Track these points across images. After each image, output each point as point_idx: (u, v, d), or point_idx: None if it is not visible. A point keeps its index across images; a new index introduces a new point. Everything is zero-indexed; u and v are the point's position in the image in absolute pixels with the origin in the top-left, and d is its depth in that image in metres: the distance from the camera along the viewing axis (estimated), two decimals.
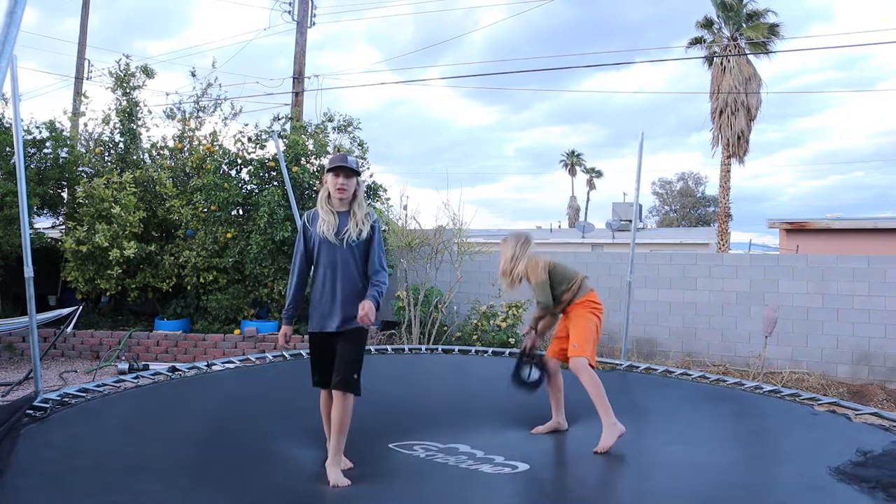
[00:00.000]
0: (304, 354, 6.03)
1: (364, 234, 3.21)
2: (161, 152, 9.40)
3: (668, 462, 3.32)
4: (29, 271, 4.30)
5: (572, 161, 44.22)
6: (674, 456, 3.40)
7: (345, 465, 3.12)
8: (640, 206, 20.48)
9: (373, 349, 6.11)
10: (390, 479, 3.15)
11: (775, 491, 2.95)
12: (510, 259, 4.03)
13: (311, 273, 3.29)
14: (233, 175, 8.61)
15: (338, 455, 3.06)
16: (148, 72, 9.41)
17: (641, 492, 2.99)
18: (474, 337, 8.15)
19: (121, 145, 9.25)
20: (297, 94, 11.80)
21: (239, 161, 8.67)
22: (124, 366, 7.00)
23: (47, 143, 8.72)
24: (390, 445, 3.56)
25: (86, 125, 9.60)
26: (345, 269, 3.18)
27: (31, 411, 3.80)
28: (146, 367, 6.73)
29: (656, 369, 5.71)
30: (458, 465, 3.27)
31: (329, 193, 3.23)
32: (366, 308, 3.08)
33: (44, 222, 9.47)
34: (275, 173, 8.42)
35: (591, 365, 3.75)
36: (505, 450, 3.49)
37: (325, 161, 8.91)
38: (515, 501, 2.96)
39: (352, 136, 9.13)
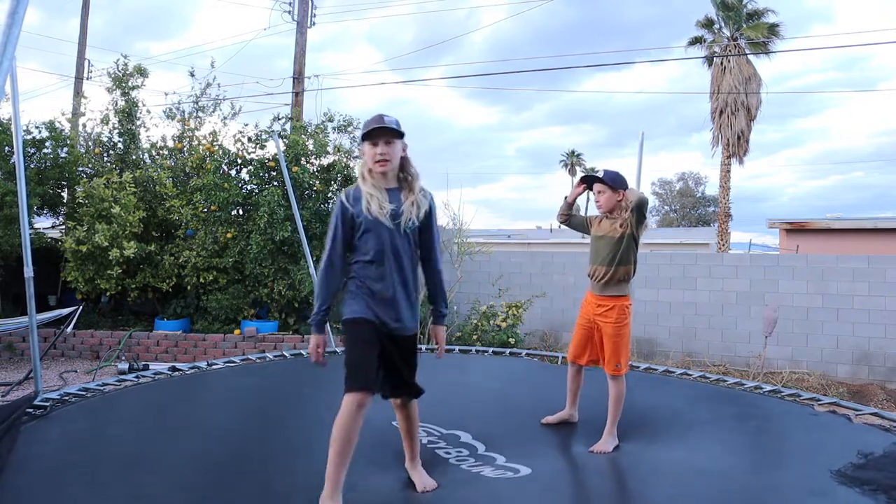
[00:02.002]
0: (304, 354, 6.03)
1: (422, 216, 2.59)
2: (161, 152, 9.40)
3: (669, 462, 3.31)
4: (29, 271, 4.30)
5: (572, 161, 44.23)
6: (674, 456, 3.40)
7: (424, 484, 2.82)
8: None
9: None
10: (396, 459, 3.12)
11: (776, 493, 2.95)
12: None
13: (357, 260, 2.62)
14: (233, 175, 8.61)
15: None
16: (142, 71, 9.40)
17: (642, 491, 2.99)
18: (474, 337, 8.15)
19: (120, 145, 9.25)
20: (297, 94, 11.79)
21: (239, 161, 8.66)
22: (124, 366, 7.00)
23: (47, 143, 8.72)
24: (393, 423, 3.53)
25: (85, 125, 9.61)
26: (402, 258, 2.58)
27: (31, 410, 3.80)
28: (146, 367, 6.73)
29: (656, 369, 5.71)
30: (459, 463, 3.27)
31: (370, 169, 2.57)
32: (441, 336, 2.78)
33: (44, 222, 9.47)
34: (275, 173, 8.42)
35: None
36: (507, 449, 3.51)
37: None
38: (515, 495, 2.96)
39: (352, 136, 9.13)
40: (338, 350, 6.03)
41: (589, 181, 3.60)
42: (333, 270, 2.59)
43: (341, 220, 2.57)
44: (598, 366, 3.70)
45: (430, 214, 2.62)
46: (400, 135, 2.55)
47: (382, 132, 2.50)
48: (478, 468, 3.23)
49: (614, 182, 3.51)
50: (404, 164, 2.61)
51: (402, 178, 2.62)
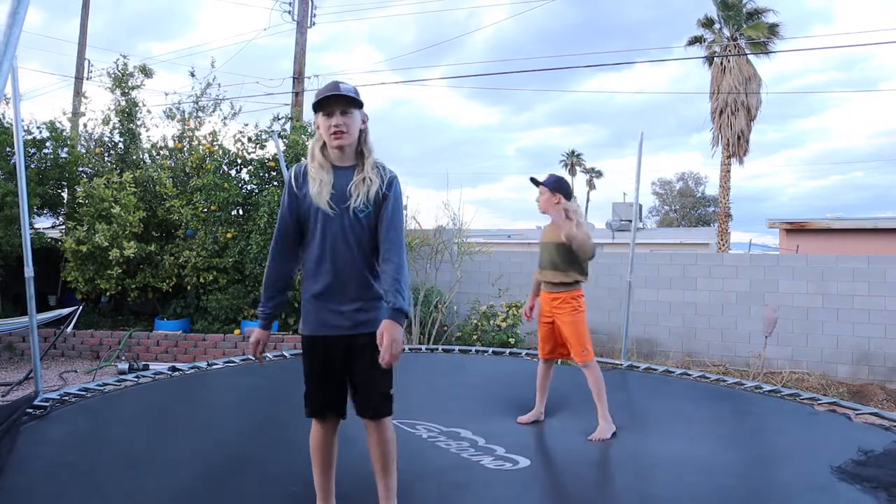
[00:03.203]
0: None
1: (373, 196, 2.22)
2: (161, 152, 9.40)
3: (669, 462, 3.32)
4: (29, 271, 4.30)
5: (572, 161, 44.21)
6: (675, 456, 3.40)
7: None
8: (640, 206, 20.52)
9: None
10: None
11: (776, 490, 2.95)
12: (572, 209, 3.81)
13: (304, 254, 2.31)
14: (233, 175, 8.61)
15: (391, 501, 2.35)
16: (146, 71, 9.41)
17: (643, 491, 2.99)
18: (474, 337, 8.15)
19: (120, 145, 9.26)
20: (297, 94, 11.80)
21: (239, 161, 8.67)
22: (124, 366, 7.00)
23: (47, 143, 8.72)
24: (394, 421, 3.56)
25: (85, 125, 9.61)
26: (352, 248, 2.23)
27: (31, 410, 3.80)
28: (146, 367, 6.73)
29: (656, 369, 5.71)
30: (460, 454, 3.29)
31: (324, 143, 2.27)
32: (389, 335, 2.09)
33: (44, 222, 9.47)
34: (275, 173, 8.42)
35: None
36: (504, 439, 3.55)
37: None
38: (515, 494, 2.97)
39: None
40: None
41: (534, 183, 3.92)
42: (275, 260, 2.31)
43: (288, 201, 2.27)
44: (567, 359, 3.95)
45: (386, 196, 2.24)
46: (358, 104, 2.24)
47: (338, 100, 2.19)
48: (477, 458, 3.27)
49: (552, 185, 3.81)
50: (363, 138, 2.28)
51: (358, 155, 2.29)
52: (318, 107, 2.22)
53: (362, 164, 2.27)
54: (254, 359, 2.40)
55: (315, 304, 2.28)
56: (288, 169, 7.47)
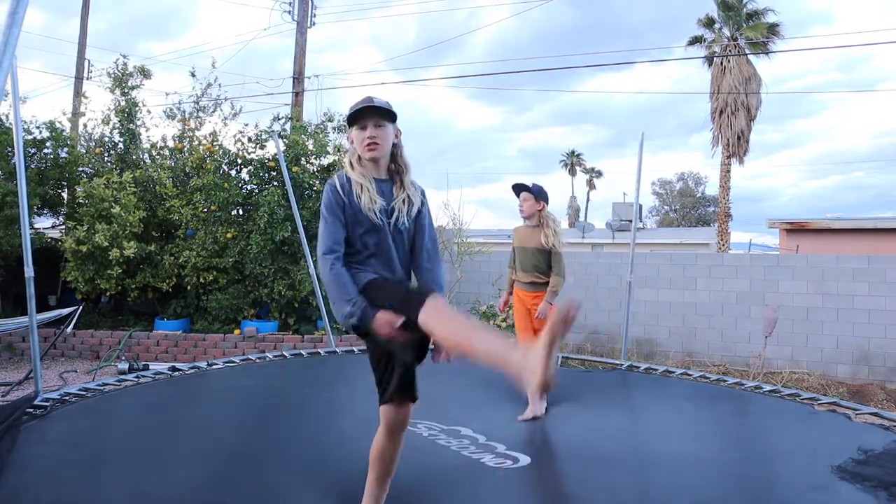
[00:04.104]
0: (304, 354, 6.04)
1: (414, 213, 2.28)
2: (161, 152, 9.40)
3: (670, 461, 3.32)
4: (29, 271, 4.30)
5: (572, 161, 44.20)
6: (675, 455, 3.41)
7: None
8: (640, 206, 20.50)
9: None
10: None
11: (776, 490, 2.95)
12: (550, 217, 4.23)
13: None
14: (233, 175, 8.61)
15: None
16: (145, 72, 9.41)
17: (643, 489, 2.99)
18: None
19: (120, 145, 9.25)
20: (297, 94, 11.80)
21: (239, 161, 8.67)
22: (124, 366, 7.00)
23: (47, 144, 8.72)
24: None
25: (85, 125, 9.61)
26: (398, 263, 2.26)
27: (31, 410, 3.80)
28: (146, 367, 6.73)
29: (656, 369, 5.71)
30: (461, 452, 3.30)
31: (359, 157, 2.25)
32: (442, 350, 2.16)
33: (44, 222, 9.47)
34: (275, 173, 8.42)
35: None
36: (504, 437, 3.56)
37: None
38: (516, 492, 2.97)
39: None
40: (338, 350, 6.03)
41: (517, 189, 4.23)
42: (342, 267, 2.16)
43: (340, 208, 2.18)
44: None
45: (421, 212, 2.31)
46: (392, 117, 2.25)
47: (372, 113, 2.20)
48: (478, 455, 3.28)
49: (538, 194, 4.19)
50: (395, 152, 2.29)
51: (393, 168, 2.30)
52: (352, 120, 2.23)
53: (400, 180, 2.28)
54: (395, 339, 2.07)
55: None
56: (288, 168, 7.50)
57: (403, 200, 2.25)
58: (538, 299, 4.16)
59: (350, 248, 2.21)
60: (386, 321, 2.03)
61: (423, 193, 2.35)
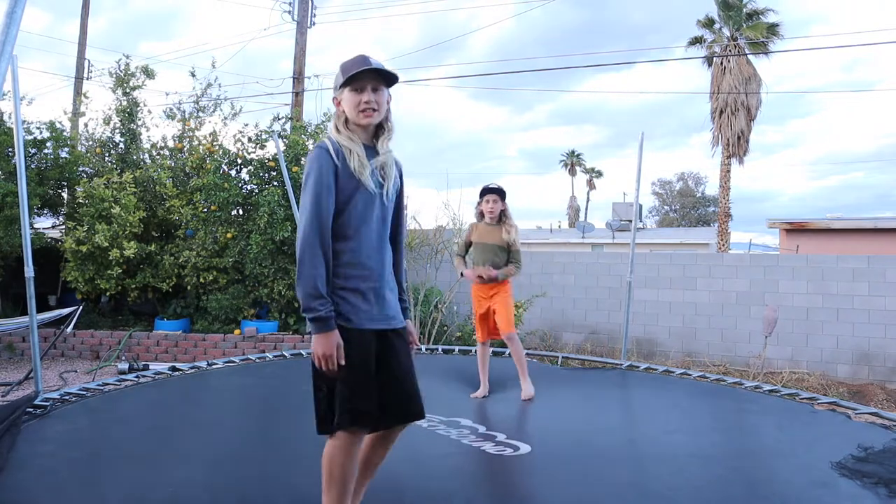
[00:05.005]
0: (304, 354, 6.03)
1: (398, 182, 2.18)
2: (161, 152, 9.40)
3: (670, 460, 3.32)
4: (29, 271, 4.30)
5: (572, 161, 44.20)
6: (675, 454, 3.41)
7: None
8: (640, 206, 20.52)
9: None
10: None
11: (776, 487, 2.95)
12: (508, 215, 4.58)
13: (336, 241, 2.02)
14: (233, 175, 8.60)
15: None
16: (148, 72, 9.41)
17: (644, 490, 2.99)
18: (474, 337, 8.15)
19: (121, 145, 9.26)
20: (297, 94, 11.80)
21: (239, 161, 8.67)
22: (124, 366, 7.00)
23: (48, 144, 8.72)
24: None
25: (86, 125, 9.61)
26: (384, 236, 2.13)
27: (31, 410, 3.80)
28: (146, 367, 6.73)
29: (656, 369, 5.71)
30: (461, 440, 3.31)
31: (345, 119, 2.09)
32: (413, 332, 2.19)
33: (44, 222, 9.47)
34: (275, 173, 8.42)
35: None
36: (504, 426, 3.58)
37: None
38: (518, 478, 2.97)
39: None
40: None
41: (488, 192, 4.54)
42: (323, 247, 1.96)
43: (331, 176, 1.98)
44: (497, 338, 4.72)
45: (401, 189, 2.20)
46: (391, 81, 2.09)
47: (371, 75, 2.03)
48: (478, 444, 3.29)
49: (503, 195, 4.55)
50: (387, 120, 2.14)
51: (377, 134, 2.14)
52: (349, 80, 2.03)
53: (384, 143, 2.12)
54: (332, 368, 1.95)
55: (371, 294, 2.06)
56: (288, 169, 7.50)
57: (391, 164, 2.12)
58: (492, 292, 4.55)
59: (338, 217, 2.02)
60: (330, 347, 1.92)
61: (400, 168, 2.20)
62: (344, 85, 2.06)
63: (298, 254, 1.95)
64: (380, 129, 2.14)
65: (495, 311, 4.56)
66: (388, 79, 2.08)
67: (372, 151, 2.10)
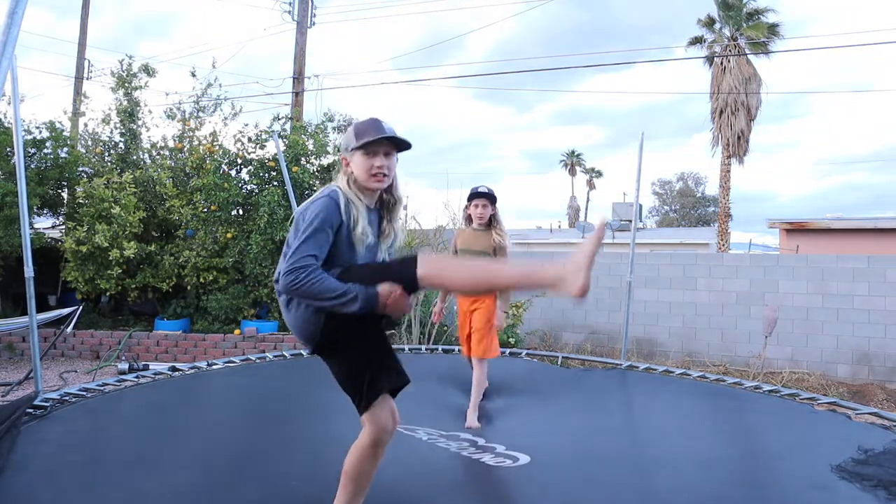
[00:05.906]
0: (304, 354, 6.03)
1: (395, 243, 2.30)
2: (161, 152, 9.40)
3: (669, 459, 3.32)
4: (29, 271, 4.30)
5: (572, 161, 44.18)
6: (674, 453, 3.41)
7: None
8: (640, 206, 20.49)
9: None
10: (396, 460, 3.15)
11: (776, 488, 2.95)
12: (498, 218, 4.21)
13: None
14: (233, 175, 8.61)
15: None
16: (149, 71, 9.41)
17: (643, 487, 2.99)
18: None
19: (121, 145, 9.26)
20: (297, 94, 11.80)
21: (239, 161, 8.67)
22: (124, 366, 7.01)
23: (47, 143, 8.72)
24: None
25: (86, 125, 9.62)
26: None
27: (31, 410, 3.80)
28: (146, 367, 6.73)
29: (656, 369, 5.71)
30: (460, 452, 3.30)
31: (355, 178, 2.13)
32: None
33: (44, 222, 9.47)
34: (275, 173, 8.42)
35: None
36: (504, 437, 3.56)
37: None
38: (518, 489, 2.97)
39: None
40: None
41: (478, 196, 4.16)
42: (328, 275, 2.02)
43: (333, 231, 2.04)
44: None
45: (395, 243, 2.30)
46: (403, 148, 2.15)
47: (386, 142, 2.10)
48: (478, 455, 3.28)
49: (494, 199, 4.16)
50: (391, 183, 2.19)
51: (385, 200, 2.22)
52: (365, 144, 2.09)
53: (389, 214, 2.23)
54: (406, 309, 2.06)
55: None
56: (288, 168, 7.50)
57: (389, 234, 2.23)
58: (475, 304, 4.08)
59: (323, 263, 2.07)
60: (391, 293, 1.99)
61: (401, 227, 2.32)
62: (360, 148, 2.11)
63: (309, 290, 1.97)
64: (389, 197, 2.23)
65: (471, 327, 4.10)
66: (400, 146, 2.15)
67: (375, 214, 2.21)
